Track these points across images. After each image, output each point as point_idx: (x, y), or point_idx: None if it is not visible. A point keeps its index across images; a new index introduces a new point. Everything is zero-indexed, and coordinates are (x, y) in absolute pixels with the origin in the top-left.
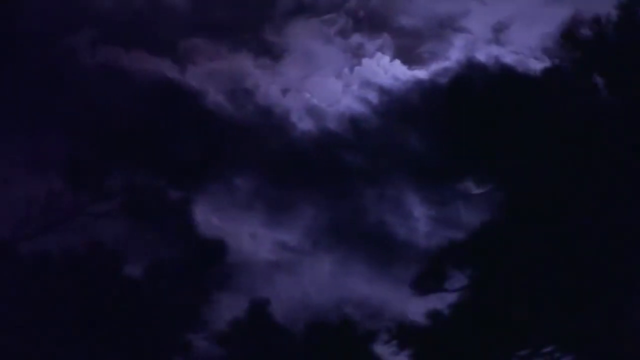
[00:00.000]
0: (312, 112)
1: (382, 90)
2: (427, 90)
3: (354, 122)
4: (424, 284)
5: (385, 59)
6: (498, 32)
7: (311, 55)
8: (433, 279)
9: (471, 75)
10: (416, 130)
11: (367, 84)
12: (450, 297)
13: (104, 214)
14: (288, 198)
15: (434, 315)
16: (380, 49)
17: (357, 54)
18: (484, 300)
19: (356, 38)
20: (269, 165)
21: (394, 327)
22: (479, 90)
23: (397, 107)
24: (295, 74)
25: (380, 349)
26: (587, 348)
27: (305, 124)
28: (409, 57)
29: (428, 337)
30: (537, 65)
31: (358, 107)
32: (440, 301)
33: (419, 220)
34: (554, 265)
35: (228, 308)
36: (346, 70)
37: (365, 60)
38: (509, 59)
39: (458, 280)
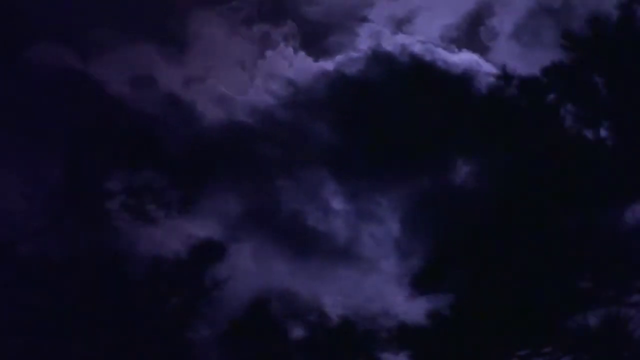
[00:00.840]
0: (220, 102)
1: (288, 82)
2: (334, 82)
3: (261, 113)
4: (423, 284)
5: (290, 50)
6: (404, 21)
7: (216, 44)
8: (433, 279)
9: (379, 65)
10: (327, 122)
11: (272, 75)
12: (450, 297)
13: (105, 213)
14: (200, 189)
15: (434, 315)
16: (286, 39)
17: (262, 44)
18: (484, 300)
19: (261, 27)
20: (179, 156)
21: (394, 327)
22: (388, 80)
23: (305, 99)
24: (200, 63)
25: (379, 349)
26: (587, 348)
27: (213, 114)
28: (314, 48)
29: (428, 337)
30: (445, 54)
31: (265, 99)
32: (440, 301)
33: (336, 212)
34: (553, 264)
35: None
36: (251, 61)
37: (270, 52)
38: (416, 48)
39: (458, 280)
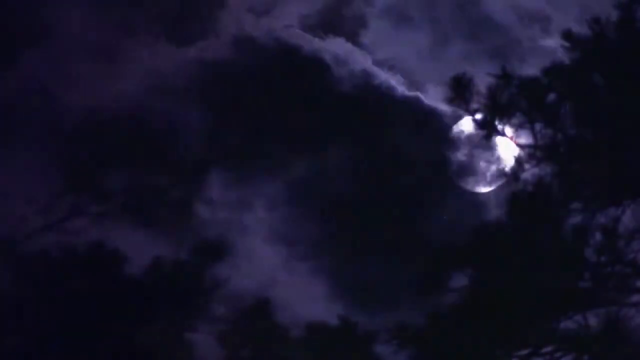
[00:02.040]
0: (84, 90)
1: (151, 70)
2: (198, 69)
3: (127, 101)
4: (425, 284)
5: (152, 37)
6: (267, 7)
7: (79, 32)
8: (433, 279)
9: (243, 51)
10: (196, 110)
11: (135, 62)
12: (450, 297)
13: (104, 213)
14: (77, 179)
15: (433, 315)
16: (147, 26)
17: (124, 32)
18: (484, 300)
19: (122, 14)
20: (53, 144)
21: (394, 327)
22: (254, 66)
23: (170, 86)
24: (62, 50)
25: (380, 349)
26: (587, 348)
27: (78, 102)
28: (176, 35)
29: (428, 337)
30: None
31: (129, 87)
32: (441, 301)
33: (215, 200)
34: (554, 264)
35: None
36: (115, 49)
37: (130, 41)
38: (281, 33)
39: (458, 280)
